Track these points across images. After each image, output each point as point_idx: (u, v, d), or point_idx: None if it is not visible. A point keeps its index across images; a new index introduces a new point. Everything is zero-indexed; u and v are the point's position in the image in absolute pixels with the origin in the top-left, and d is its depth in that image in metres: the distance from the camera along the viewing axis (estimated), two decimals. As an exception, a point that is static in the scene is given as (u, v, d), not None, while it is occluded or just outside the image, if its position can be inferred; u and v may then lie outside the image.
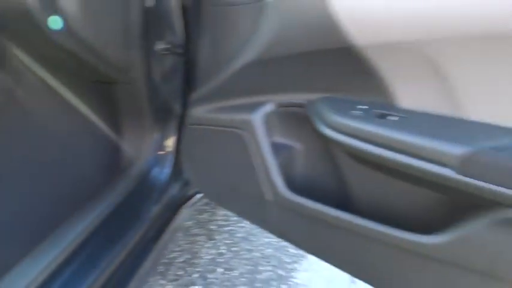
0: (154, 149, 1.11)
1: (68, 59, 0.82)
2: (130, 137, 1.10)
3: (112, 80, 0.97)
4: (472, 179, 0.55)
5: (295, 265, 1.43)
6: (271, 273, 1.39)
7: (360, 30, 0.62)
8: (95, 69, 0.86)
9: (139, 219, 1.03)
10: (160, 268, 1.37)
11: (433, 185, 0.61)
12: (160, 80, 1.00)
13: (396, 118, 0.63)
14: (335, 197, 0.81)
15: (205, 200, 1.51)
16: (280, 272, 1.40)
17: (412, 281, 0.70)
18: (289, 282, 1.37)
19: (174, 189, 1.12)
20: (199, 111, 0.93)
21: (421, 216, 0.69)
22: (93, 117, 1.12)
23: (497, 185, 0.53)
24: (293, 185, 0.83)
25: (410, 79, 0.64)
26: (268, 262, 1.43)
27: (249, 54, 0.77)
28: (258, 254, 1.46)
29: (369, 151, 0.64)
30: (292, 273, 1.40)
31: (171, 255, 1.43)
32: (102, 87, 1.03)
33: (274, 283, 1.35)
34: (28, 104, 1.01)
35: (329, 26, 0.64)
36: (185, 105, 0.97)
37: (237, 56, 0.79)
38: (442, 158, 0.57)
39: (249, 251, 1.47)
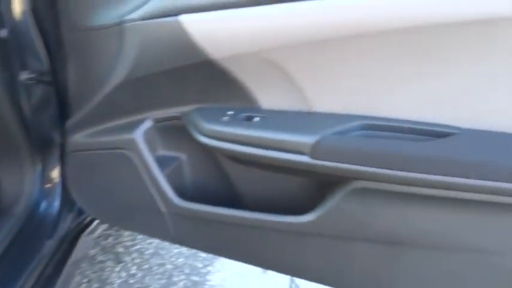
0: (38, 183, 1.06)
1: None
2: (8, 174, 1.03)
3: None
4: (323, 162, 0.65)
5: (209, 268, 1.47)
6: (185, 281, 1.42)
7: (213, 45, 0.69)
8: None
9: (33, 257, 0.98)
10: (69, 304, 1.31)
11: (298, 172, 0.71)
12: (31, 111, 0.96)
13: (259, 119, 0.71)
14: (224, 197, 0.87)
15: (107, 224, 1.47)
16: (194, 278, 1.43)
17: (304, 257, 0.80)
18: (205, 286, 1.41)
19: (68, 220, 1.09)
20: (78, 137, 0.92)
21: (297, 199, 0.79)
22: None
23: (343, 163, 0.64)
24: (184, 193, 0.87)
25: (266, 83, 0.72)
26: (182, 271, 1.45)
27: (118, 76, 0.79)
28: (170, 266, 1.47)
29: (240, 151, 0.72)
30: (207, 277, 1.44)
31: (79, 288, 1.37)
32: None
33: (190, 290, 1.38)
34: None
35: (186, 43, 0.70)
36: (63, 133, 0.95)
37: (107, 78, 0.81)
38: (297, 148, 0.66)
39: (161, 265, 1.47)
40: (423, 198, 0.63)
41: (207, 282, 1.42)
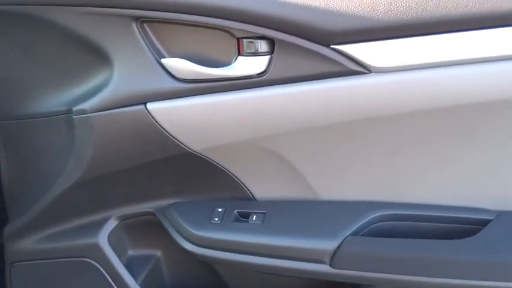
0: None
1: None
2: None
3: None
4: (345, 270, 0.54)
5: None
6: None
7: (191, 137, 0.57)
8: None
9: None
10: None
11: (311, 279, 0.59)
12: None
13: (257, 217, 0.59)
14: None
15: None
16: None
17: None
18: None
19: None
20: (24, 244, 0.74)
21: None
22: None
23: (367, 272, 0.54)
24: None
25: (259, 172, 0.61)
26: None
27: (69, 176, 0.63)
28: None
29: (238, 261, 0.59)
30: None
31: None
32: None
33: None
34: None
35: (158, 138, 0.57)
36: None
37: (55, 178, 0.65)
38: (315, 257, 0.54)
39: None
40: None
41: None
